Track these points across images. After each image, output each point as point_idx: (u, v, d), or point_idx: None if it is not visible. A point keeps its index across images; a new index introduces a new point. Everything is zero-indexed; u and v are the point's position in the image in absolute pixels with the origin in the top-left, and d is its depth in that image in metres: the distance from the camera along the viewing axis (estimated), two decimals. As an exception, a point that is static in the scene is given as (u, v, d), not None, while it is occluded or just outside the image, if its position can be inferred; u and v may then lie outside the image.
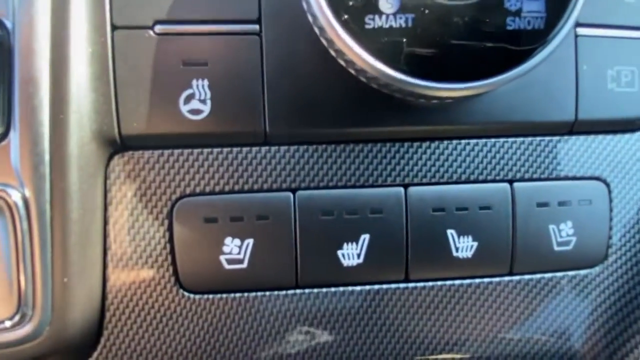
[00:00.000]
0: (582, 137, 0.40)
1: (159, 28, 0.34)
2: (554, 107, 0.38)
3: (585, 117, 0.39)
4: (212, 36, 0.34)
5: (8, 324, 0.32)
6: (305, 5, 0.32)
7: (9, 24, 0.31)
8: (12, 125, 0.32)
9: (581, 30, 0.38)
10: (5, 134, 0.32)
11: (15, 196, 0.31)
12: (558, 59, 0.37)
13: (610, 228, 0.40)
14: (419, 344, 0.40)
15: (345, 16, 0.30)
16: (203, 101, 0.35)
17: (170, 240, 0.36)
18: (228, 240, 0.36)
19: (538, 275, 0.40)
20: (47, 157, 0.32)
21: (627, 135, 0.40)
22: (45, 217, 0.32)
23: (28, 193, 0.32)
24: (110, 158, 0.35)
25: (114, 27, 0.34)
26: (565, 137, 0.39)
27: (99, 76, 0.33)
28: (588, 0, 0.36)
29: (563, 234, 0.39)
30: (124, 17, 0.34)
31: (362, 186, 0.37)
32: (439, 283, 0.39)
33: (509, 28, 0.31)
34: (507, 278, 0.40)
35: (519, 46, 0.31)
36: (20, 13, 0.31)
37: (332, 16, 0.31)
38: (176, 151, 0.35)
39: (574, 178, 0.40)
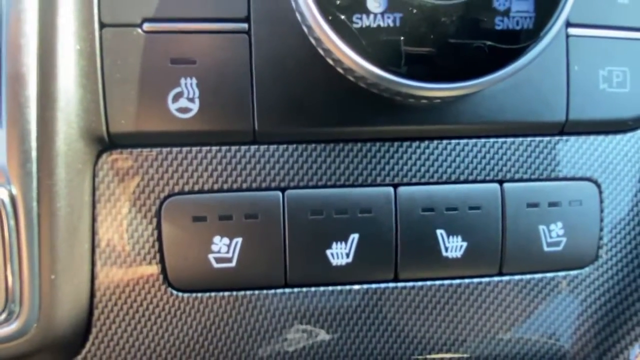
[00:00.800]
0: (573, 138, 0.39)
1: (147, 26, 0.34)
2: (544, 107, 0.38)
3: (576, 118, 0.38)
4: (201, 34, 0.34)
5: (-5, 321, 0.32)
6: (293, 4, 0.32)
7: (-5, 21, 0.31)
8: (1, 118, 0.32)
9: (573, 31, 0.38)
10: (-7, 129, 0.32)
11: (2, 193, 0.31)
12: (549, 59, 0.37)
13: (601, 229, 0.40)
14: (408, 343, 0.40)
15: (333, 15, 0.30)
16: (191, 99, 0.35)
17: (159, 238, 0.36)
18: (217, 239, 0.36)
19: (528, 276, 0.40)
20: (34, 154, 0.32)
21: (618, 136, 0.40)
22: (32, 215, 0.32)
23: (15, 190, 0.32)
24: (98, 156, 0.35)
25: (102, 25, 0.34)
26: (556, 138, 0.39)
27: (87, 74, 0.33)
28: (580, 1, 0.37)
29: (553, 235, 0.39)
30: (112, 14, 0.34)
31: (352, 186, 0.37)
32: (429, 283, 0.39)
33: (497, 28, 0.31)
34: (496, 278, 0.40)
35: (508, 46, 0.31)
36: (7, 9, 0.31)
37: (320, 15, 0.30)
38: (164, 149, 0.35)
39: (565, 179, 0.39)
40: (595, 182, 0.40)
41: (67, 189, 0.33)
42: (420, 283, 0.39)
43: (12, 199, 0.31)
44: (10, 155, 0.31)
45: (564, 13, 0.31)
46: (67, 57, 0.32)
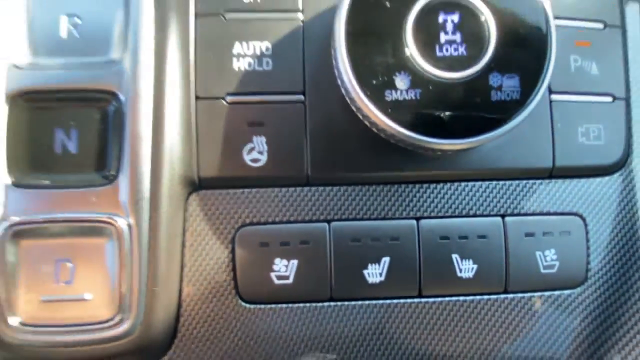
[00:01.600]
0: (560, 180, 0.49)
1: (229, 98, 0.45)
2: (535, 156, 0.47)
3: (561, 165, 0.48)
4: (269, 104, 0.45)
5: (111, 322, 0.42)
6: (339, 81, 0.43)
7: (122, 97, 0.43)
8: (121, 170, 0.42)
9: (554, 97, 0.48)
10: (116, 176, 0.42)
11: (122, 223, 0.42)
12: (537, 118, 0.47)
13: (588, 255, 0.49)
14: (431, 351, 0.48)
15: (370, 91, 0.41)
16: (261, 152, 0.45)
17: (233, 260, 0.45)
18: (277, 260, 0.46)
19: (529, 294, 0.48)
20: (146, 194, 0.42)
21: (598, 179, 0.49)
22: (143, 240, 0.42)
23: (131, 221, 0.42)
24: (189, 195, 0.45)
25: (197, 97, 0.45)
26: (547, 180, 0.49)
27: (186, 134, 0.44)
28: (560, 72, 0.47)
29: (548, 259, 0.48)
30: (204, 90, 0.45)
31: (384, 219, 0.46)
32: (447, 299, 0.48)
33: (493, 99, 0.41)
34: (502, 296, 0.48)
35: (502, 112, 0.41)
36: (130, 89, 0.42)
37: (360, 91, 0.41)
38: (239, 190, 0.46)
39: (555, 213, 0.48)
40: (581, 217, 0.49)
41: (167, 222, 0.43)
42: (440, 299, 0.48)
43: (130, 227, 0.42)
44: (129, 195, 0.42)
45: (543, 87, 0.41)
46: (171, 121, 0.43)
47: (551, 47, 0.42)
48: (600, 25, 0.50)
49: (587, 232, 0.49)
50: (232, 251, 0.45)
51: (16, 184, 0.41)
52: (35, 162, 0.42)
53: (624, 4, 0.52)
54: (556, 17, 0.45)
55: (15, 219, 0.41)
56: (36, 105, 0.42)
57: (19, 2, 0.43)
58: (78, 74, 0.42)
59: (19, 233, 0.41)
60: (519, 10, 0.42)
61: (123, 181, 0.42)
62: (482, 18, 0.41)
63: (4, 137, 0.41)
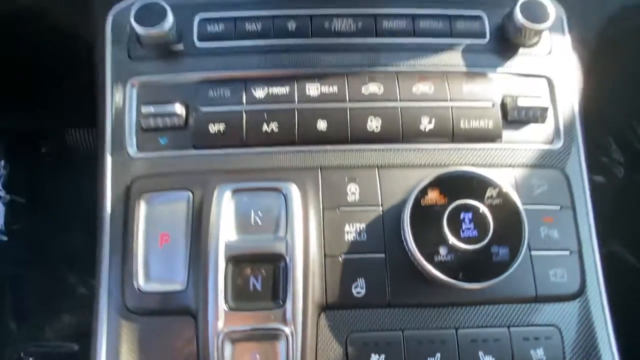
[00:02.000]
0: (542, 304, 0.78)
1: (343, 256, 0.78)
2: (524, 289, 0.77)
3: (541, 294, 0.77)
4: (365, 259, 0.79)
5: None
6: (406, 247, 0.76)
7: (287, 258, 0.76)
8: (287, 300, 0.74)
9: (533, 252, 0.78)
10: (284, 304, 0.74)
11: (288, 332, 0.73)
12: (523, 267, 0.77)
13: (564, 352, 0.77)
14: None
15: (425, 255, 0.74)
16: (362, 288, 0.77)
17: (345, 354, 0.75)
18: (372, 354, 0.74)
19: None
20: (300, 314, 0.74)
21: (566, 303, 0.78)
22: (299, 342, 0.73)
23: (293, 330, 0.73)
24: (320, 313, 0.77)
25: (325, 255, 0.78)
26: (534, 304, 0.79)
27: (320, 277, 0.77)
28: (535, 237, 0.80)
29: (539, 355, 0.76)
30: (329, 250, 0.78)
31: (435, 328, 0.76)
32: (476, 381, 0.76)
33: (494, 260, 0.73)
34: None
35: (500, 267, 0.73)
36: (291, 253, 0.76)
37: (420, 255, 0.74)
38: (350, 310, 0.76)
39: (540, 325, 0.77)
40: (557, 327, 0.78)
41: (310, 330, 0.74)
42: None
43: (292, 334, 0.73)
44: (292, 315, 0.73)
45: (523, 252, 0.74)
46: (313, 271, 0.76)
47: (525, 229, 0.75)
48: (557, 207, 0.83)
49: (562, 337, 0.78)
50: (345, 348, 0.75)
51: (229, 309, 0.74)
52: (239, 295, 0.75)
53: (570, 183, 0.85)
54: (529, 204, 0.80)
55: (229, 330, 0.73)
56: (240, 263, 0.76)
57: (230, 207, 0.79)
58: (262, 245, 0.77)
59: (231, 338, 0.73)
60: (504, 209, 0.76)
61: (288, 306, 0.68)
62: (484, 215, 0.75)
63: (224, 283, 0.75)
